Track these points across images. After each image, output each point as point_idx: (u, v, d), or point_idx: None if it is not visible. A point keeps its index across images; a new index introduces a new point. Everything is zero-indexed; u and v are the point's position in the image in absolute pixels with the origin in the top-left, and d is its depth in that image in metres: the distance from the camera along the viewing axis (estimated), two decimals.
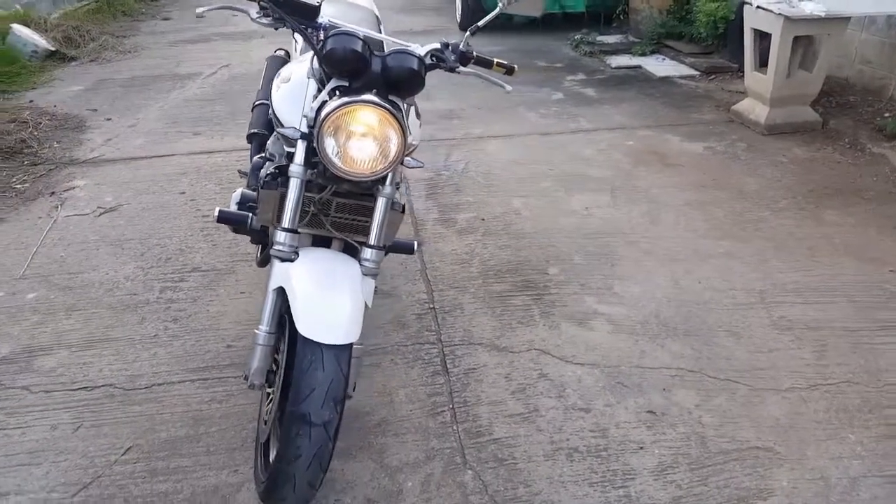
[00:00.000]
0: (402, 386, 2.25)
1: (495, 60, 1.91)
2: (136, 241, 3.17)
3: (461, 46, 1.84)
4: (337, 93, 1.67)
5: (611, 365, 2.34)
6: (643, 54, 6.14)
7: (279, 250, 1.74)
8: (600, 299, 2.70)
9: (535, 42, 6.90)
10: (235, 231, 2.13)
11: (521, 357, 2.38)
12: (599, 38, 6.68)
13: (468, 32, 1.87)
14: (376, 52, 1.67)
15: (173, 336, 2.51)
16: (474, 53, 1.87)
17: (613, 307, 2.64)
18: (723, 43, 5.80)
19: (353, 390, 1.86)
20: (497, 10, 1.93)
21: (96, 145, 4.37)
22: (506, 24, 7.49)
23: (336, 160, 1.66)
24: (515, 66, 1.95)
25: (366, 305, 1.78)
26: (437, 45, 1.84)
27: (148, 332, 2.54)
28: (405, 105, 1.73)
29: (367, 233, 2.01)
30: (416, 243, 2.28)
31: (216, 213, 2.08)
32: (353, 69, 1.65)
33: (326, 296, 1.64)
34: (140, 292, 2.78)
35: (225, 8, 1.80)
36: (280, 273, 1.71)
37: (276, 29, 1.78)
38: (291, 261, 1.73)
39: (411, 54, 1.68)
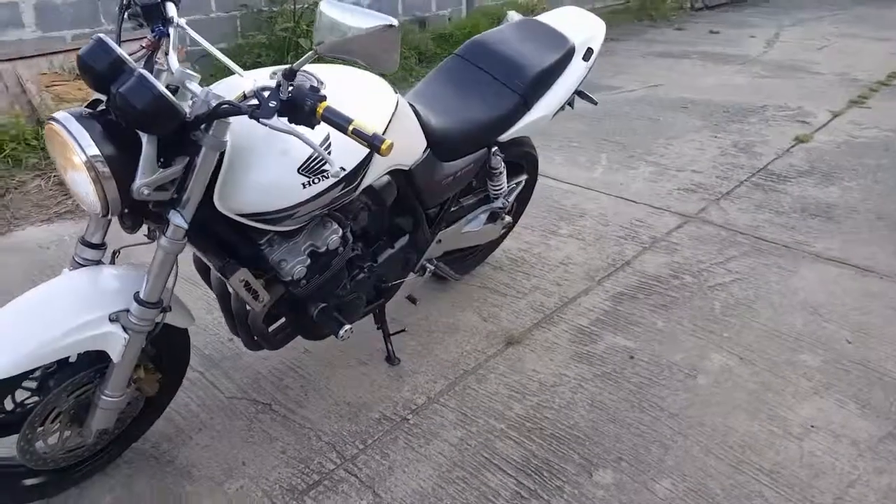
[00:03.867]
0: (252, 459, 1.83)
1: (351, 127, 1.25)
2: None
3: (281, 93, 1.27)
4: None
5: None
6: None
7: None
8: None
9: None
10: None
11: None
12: None
13: (280, 76, 1.28)
14: (129, 70, 1.29)
15: None
16: (312, 105, 1.26)
17: None
18: None
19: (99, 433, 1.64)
20: (311, 52, 1.27)
21: None
22: None
23: None
24: (382, 144, 1.24)
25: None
26: (272, 84, 1.31)
27: None
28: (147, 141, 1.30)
29: None
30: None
31: None
32: (94, 84, 1.33)
33: (15, 313, 1.44)
34: None
35: None
36: None
37: (141, 26, 1.54)
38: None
39: (146, 86, 1.24)
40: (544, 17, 2.49)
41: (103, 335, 1.47)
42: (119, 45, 1.46)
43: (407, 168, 1.90)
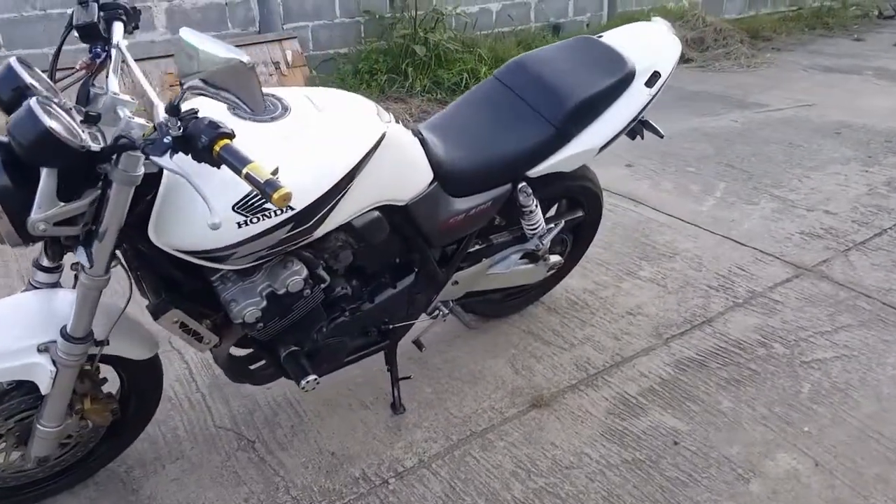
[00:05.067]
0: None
1: (245, 171, 1.07)
2: None
3: (171, 129, 1.11)
4: None
5: None
6: None
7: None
8: None
9: None
10: None
11: None
12: None
13: (165, 114, 1.12)
14: (31, 97, 1.18)
15: None
16: (207, 143, 1.10)
17: None
18: None
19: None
20: (183, 88, 1.07)
21: None
22: None
23: None
24: (275, 192, 1.04)
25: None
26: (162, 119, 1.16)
27: None
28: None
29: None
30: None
31: None
32: (5, 110, 1.24)
33: None
34: None
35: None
36: None
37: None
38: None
39: (33, 119, 1.12)
40: (610, 35, 2.14)
41: (30, 365, 1.40)
42: (56, 65, 1.39)
43: (402, 204, 1.68)
